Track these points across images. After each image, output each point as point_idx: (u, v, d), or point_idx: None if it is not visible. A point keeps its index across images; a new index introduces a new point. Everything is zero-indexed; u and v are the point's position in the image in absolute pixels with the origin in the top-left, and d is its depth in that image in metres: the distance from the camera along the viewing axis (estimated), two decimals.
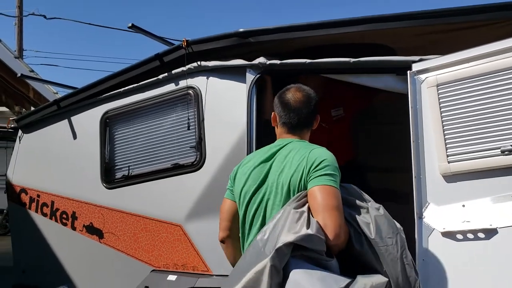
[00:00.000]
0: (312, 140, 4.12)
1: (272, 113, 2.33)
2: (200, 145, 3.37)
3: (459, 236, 2.52)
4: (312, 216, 1.87)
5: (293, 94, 2.26)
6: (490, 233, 2.44)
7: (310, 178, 1.98)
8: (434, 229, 2.59)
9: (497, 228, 2.42)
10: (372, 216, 1.95)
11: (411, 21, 2.97)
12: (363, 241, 1.91)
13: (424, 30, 3.12)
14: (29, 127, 4.46)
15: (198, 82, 3.44)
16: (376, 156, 4.49)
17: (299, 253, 1.78)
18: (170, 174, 3.53)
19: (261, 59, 3.13)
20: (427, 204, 2.64)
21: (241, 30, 3.26)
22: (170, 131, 3.57)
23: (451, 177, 2.58)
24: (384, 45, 3.34)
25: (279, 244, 1.73)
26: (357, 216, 1.96)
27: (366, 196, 2.08)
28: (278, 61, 3.10)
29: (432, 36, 3.22)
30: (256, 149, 3.12)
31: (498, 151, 2.45)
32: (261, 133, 3.19)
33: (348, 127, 4.15)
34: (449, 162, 2.58)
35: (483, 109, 2.50)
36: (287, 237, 1.75)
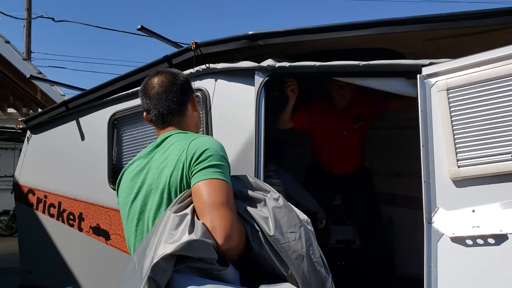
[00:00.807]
0: (329, 147, 4.24)
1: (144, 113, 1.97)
2: None
3: (469, 242, 2.49)
4: (198, 218, 1.56)
5: (151, 81, 1.90)
6: (501, 239, 2.41)
7: (192, 173, 1.65)
8: (443, 234, 2.57)
9: (508, 234, 2.39)
10: (270, 208, 1.61)
11: (421, 25, 2.96)
12: (262, 240, 1.58)
13: (434, 35, 3.11)
14: (38, 128, 4.48)
15: (206, 84, 3.44)
16: (387, 161, 4.49)
17: (184, 266, 1.45)
18: None
19: (270, 62, 3.13)
20: (436, 209, 2.62)
21: (250, 32, 3.26)
22: None
23: (461, 182, 2.56)
24: (393, 50, 3.34)
25: (156, 259, 1.39)
26: (253, 210, 1.63)
27: (265, 186, 1.74)
28: (287, 64, 3.09)
29: (441, 41, 3.21)
30: (265, 152, 3.13)
31: (509, 156, 2.42)
32: (270, 137, 3.20)
33: (364, 135, 4.20)
34: (459, 167, 2.56)
35: (493, 113, 2.48)
36: (165, 248, 1.41)
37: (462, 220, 2.53)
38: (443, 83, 2.65)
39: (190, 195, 1.64)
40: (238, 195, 1.68)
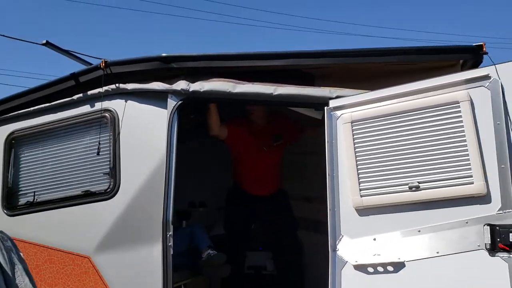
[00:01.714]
0: (250, 166, 4.19)
1: None
2: (114, 172, 3.20)
3: (370, 269, 2.58)
4: None
5: None
6: (399, 266, 2.53)
7: None
8: (347, 262, 2.64)
9: (405, 262, 2.51)
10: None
11: (326, 58, 3.06)
12: None
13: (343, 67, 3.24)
14: None
15: (116, 105, 3.29)
16: (299, 185, 4.59)
17: None
18: (80, 202, 3.32)
19: (183, 85, 3.07)
20: (341, 237, 2.69)
21: (164, 54, 3.19)
22: (83, 155, 3.37)
23: (364, 211, 2.66)
24: (302, 71, 3.42)
25: None
26: None
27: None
28: (200, 88, 3.05)
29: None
30: (175, 176, 3.04)
31: (406, 187, 2.57)
32: (181, 161, 3.12)
33: (283, 152, 4.25)
34: (361, 196, 2.66)
35: (393, 146, 2.62)
36: None
37: (365, 248, 2.62)
38: (348, 116, 2.77)
39: None
40: None
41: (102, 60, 3.22)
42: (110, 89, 3.28)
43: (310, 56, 3.06)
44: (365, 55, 3.00)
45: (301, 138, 4.33)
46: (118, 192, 3.22)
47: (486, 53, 2.78)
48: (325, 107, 2.85)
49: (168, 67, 3.18)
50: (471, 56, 2.88)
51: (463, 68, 3.01)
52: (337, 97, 2.87)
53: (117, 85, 3.24)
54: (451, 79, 2.56)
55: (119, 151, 3.22)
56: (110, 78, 3.27)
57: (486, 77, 2.48)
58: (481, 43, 2.78)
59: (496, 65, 2.48)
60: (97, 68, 3.30)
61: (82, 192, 3.33)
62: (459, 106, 2.50)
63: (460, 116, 2.49)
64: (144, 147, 3.21)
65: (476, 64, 2.94)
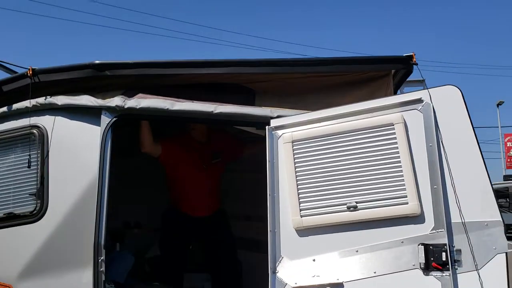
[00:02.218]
0: (188, 184, 3.98)
1: None
2: (41, 192, 2.98)
3: None
4: None
5: None
6: (337, 287, 2.53)
7: None
8: (286, 284, 2.61)
9: (344, 282, 2.52)
10: None
11: (261, 67, 3.05)
12: None
13: (273, 77, 3.23)
14: None
15: (45, 121, 3.08)
16: (240, 204, 4.52)
17: None
18: (2, 225, 3.05)
19: (118, 101, 2.93)
20: (280, 259, 2.66)
21: (96, 62, 3.02)
22: (6, 175, 3.12)
23: (304, 231, 2.65)
24: (244, 86, 3.39)
25: None
26: None
27: None
28: (136, 105, 2.93)
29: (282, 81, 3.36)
30: (108, 198, 2.88)
31: (345, 207, 2.59)
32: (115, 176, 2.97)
33: (223, 171, 4.15)
34: (301, 216, 2.65)
35: (332, 166, 2.65)
36: None
37: (304, 269, 2.60)
38: (288, 135, 2.77)
39: None
40: None
41: (30, 67, 3.01)
42: (38, 104, 3.07)
43: (249, 65, 3.02)
44: (298, 65, 3.03)
45: (242, 155, 4.26)
46: (46, 214, 2.99)
47: (416, 64, 2.91)
48: (266, 127, 2.83)
49: (101, 75, 3.01)
50: (402, 66, 2.99)
51: (395, 78, 3.12)
52: (278, 116, 2.87)
53: (46, 98, 3.03)
54: (387, 102, 2.64)
55: (47, 170, 3.01)
56: (38, 89, 3.06)
57: (419, 100, 2.57)
58: (411, 54, 2.91)
59: (428, 89, 2.59)
60: (23, 76, 3.08)
61: (4, 214, 3.07)
62: (393, 128, 2.57)
63: (395, 138, 2.56)
64: (75, 166, 3.02)
65: (407, 74, 3.08)
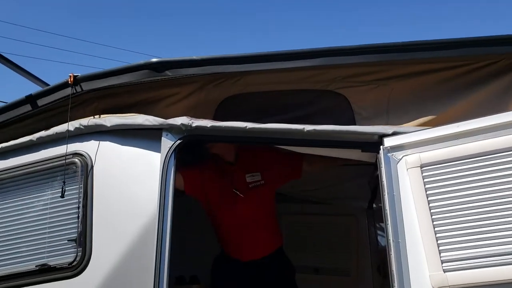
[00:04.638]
0: (228, 217, 3.07)
1: None
2: (83, 238, 2.33)
3: None
4: None
5: None
6: None
7: None
8: None
9: None
10: None
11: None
12: None
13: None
14: None
15: (89, 147, 2.47)
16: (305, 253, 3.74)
17: None
18: (34, 281, 2.40)
19: (184, 120, 2.30)
20: None
21: (154, 60, 2.47)
22: (40, 216, 2.48)
23: None
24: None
25: None
26: None
27: None
28: (208, 124, 2.28)
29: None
30: (171, 239, 2.20)
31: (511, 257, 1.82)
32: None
33: (272, 198, 3.17)
34: (445, 271, 1.89)
35: (487, 198, 1.90)
36: None
37: None
38: (415, 158, 2.05)
39: None
40: None
41: (71, 74, 2.46)
42: (82, 126, 2.47)
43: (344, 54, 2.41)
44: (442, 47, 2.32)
45: (300, 171, 3.12)
46: (88, 266, 2.35)
47: None
48: (381, 147, 2.12)
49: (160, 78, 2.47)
50: None
51: None
52: (394, 133, 2.16)
53: (93, 118, 2.44)
54: None
55: (91, 209, 2.36)
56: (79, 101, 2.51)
57: None
58: None
59: None
60: (66, 85, 2.52)
61: (36, 266, 2.42)
62: None
63: None
64: (127, 203, 2.36)
65: None
